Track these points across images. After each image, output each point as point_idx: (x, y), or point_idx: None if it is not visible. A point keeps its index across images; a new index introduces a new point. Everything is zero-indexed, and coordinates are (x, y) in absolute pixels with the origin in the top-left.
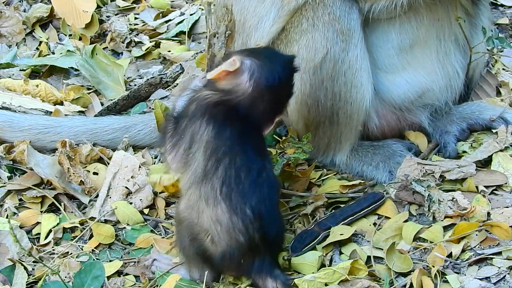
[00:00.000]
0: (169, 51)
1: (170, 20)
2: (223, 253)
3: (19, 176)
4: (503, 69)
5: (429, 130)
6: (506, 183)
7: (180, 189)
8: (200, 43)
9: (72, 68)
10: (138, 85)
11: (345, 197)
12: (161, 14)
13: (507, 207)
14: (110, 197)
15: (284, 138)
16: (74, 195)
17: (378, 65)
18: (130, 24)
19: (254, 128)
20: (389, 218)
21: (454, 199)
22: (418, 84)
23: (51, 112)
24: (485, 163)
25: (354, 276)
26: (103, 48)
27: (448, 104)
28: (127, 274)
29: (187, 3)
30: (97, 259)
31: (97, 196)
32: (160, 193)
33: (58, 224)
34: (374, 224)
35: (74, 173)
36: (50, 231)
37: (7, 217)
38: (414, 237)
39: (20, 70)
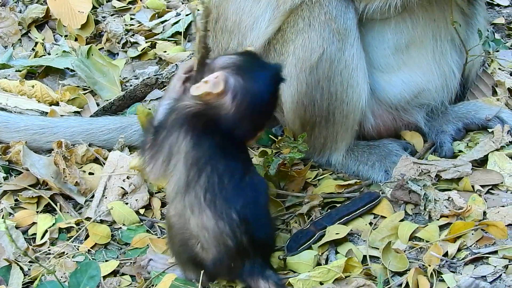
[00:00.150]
0: (165, 51)
1: (166, 20)
2: (214, 259)
3: (15, 176)
4: (499, 68)
5: (425, 130)
6: (502, 183)
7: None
8: None
9: (68, 68)
10: (134, 85)
11: (341, 196)
12: (156, 15)
13: (503, 206)
14: (106, 197)
15: (280, 138)
16: (70, 195)
17: (374, 65)
18: (126, 24)
19: (235, 139)
20: (385, 217)
21: (450, 199)
22: (414, 84)
23: (47, 112)
24: (481, 163)
25: (349, 274)
26: (99, 49)
27: (444, 104)
28: (123, 274)
29: (182, 3)
30: (93, 259)
31: (93, 196)
32: (156, 193)
33: (54, 224)
34: (370, 223)
35: (69, 174)
36: (46, 231)
37: (3, 218)
38: (410, 236)
39: (16, 70)
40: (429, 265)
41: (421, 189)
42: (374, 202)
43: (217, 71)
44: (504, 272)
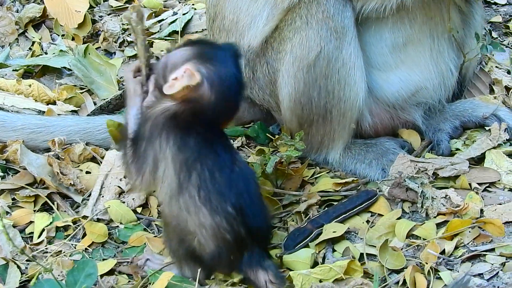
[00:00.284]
0: (162, 50)
1: (162, 19)
2: (212, 253)
3: (12, 175)
4: (496, 67)
5: (423, 128)
6: (499, 180)
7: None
8: None
9: (65, 68)
10: None
11: (338, 195)
12: (153, 14)
13: (500, 204)
14: (103, 196)
15: (277, 136)
16: (67, 194)
17: (372, 63)
18: (123, 24)
19: (215, 128)
20: (382, 215)
21: (447, 196)
22: (412, 82)
23: (44, 111)
24: (478, 161)
25: (349, 276)
26: (96, 48)
27: (441, 102)
28: (120, 272)
29: (179, 2)
30: (90, 257)
31: (90, 195)
32: (153, 191)
33: (51, 223)
34: (367, 221)
35: (64, 176)
36: (43, 230)
37: (0, 216)
38: (407, 234)
39: (13, 70)
40: (426, 263)
41: (418, 187)
42: (371, 200)
43: (180, 66)
44: (501, 270)
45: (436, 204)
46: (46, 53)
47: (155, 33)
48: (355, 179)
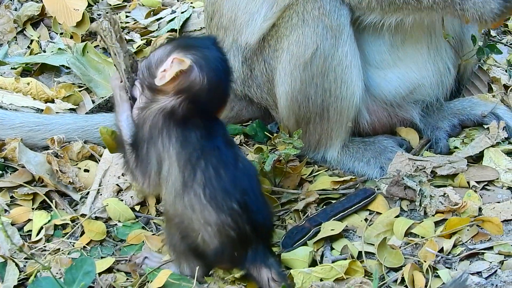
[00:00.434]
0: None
1: (161, 18)
2: (216, 249)
3: (10, 173)
4: (495, 65)
5: (421, 126)
6: (497, 179)
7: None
8: None
9: (63, 66)
10: None
11: (336, 193)
12: (152, 12)
13: (499, 202)
14: (101, 194)
15: (275, 134)
16: (66, 192)
17: (369, 61)
18: (121, 22)
19: (213, 118)
20: (381, 213)
21: (446, 195)
22: (410, 80)
23: (42, 109)
24: (476, 159)
25: (349, 277)
26: (94, 46)
27: (439, 100)
28: (118, 270)
29: (178, 1)
30: (88, 255)
31: (88, 193)
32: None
33: (49, 221)
34: (366, 219)
35: (62, 174)
36: (42, 228)
37: None
38: (405, 232)
39: (11, 68)
40: (425, 261)
41: (416, 185)
42: (369, 199)
43: (166, 58)
44: (500, 268)
45: (434, 202)
46: (44, 51)
47: (153, 31)
48: (353, 177)
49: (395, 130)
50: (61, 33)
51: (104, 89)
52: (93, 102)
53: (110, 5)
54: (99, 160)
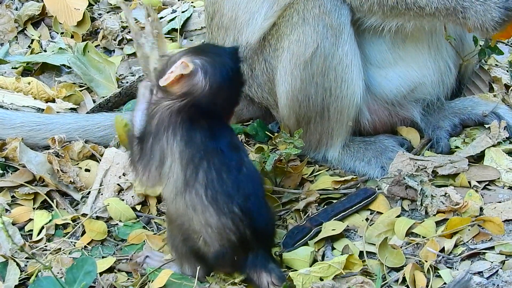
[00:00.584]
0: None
1: (162, 17)
2: (216, 252)
3: (11, 173)
4: (496, 64)
5: (422, 125)
6: (498, 178)
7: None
8: (192, 40)
9: (64, 65)
10: (130, 82)
11: (337, 193)
12: None
13: (500, 202)
14: (102, 194)
15: (276, 134)
16: (67, 191)
17: (370, 60)
18: (122, 21)
19: (220, 122)
20: (382, 213)
21: (447, 194)
22: (410, 78)
23: (43, 109)
24: (477, 158)
25: (349, 271)
26: (95, 46)
27: (440, 99)
28: (119, 270)
29: (179, 0)
30: (89, 255)
31: (89, 193)
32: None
33: (50, 220)
34: (367, 219)
35: (64, 174)
36: (43, 227)
37: None
38: (406, 232)
39: (12, 67)
40: (426, 261)
41: (417, 185)
42: (370, 198)
43: (177, 60)
44: (501, 268)
45: (435, 202)
46: (45, 51)
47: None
48: (354, 177)
49: (396, 129)
50: (62, 33)
51: (104, 89)
52: (94, 101)
53: (111, 4)
54: (100, 160)
